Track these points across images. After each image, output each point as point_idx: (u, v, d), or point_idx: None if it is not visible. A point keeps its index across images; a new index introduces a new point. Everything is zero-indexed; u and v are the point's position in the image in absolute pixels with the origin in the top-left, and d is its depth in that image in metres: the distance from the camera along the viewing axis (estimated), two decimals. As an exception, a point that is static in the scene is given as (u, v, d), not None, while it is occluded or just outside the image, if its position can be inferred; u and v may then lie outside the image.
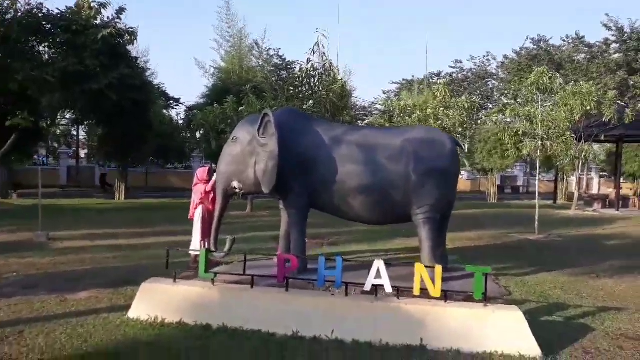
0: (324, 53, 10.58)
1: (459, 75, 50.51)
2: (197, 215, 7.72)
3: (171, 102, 34.28)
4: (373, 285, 4.74)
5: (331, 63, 10.68)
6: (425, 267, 4.71)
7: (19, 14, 14.60)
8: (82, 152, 40.46)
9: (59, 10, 15.50)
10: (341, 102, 10.89)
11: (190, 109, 28.20)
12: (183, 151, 30.01)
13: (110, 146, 20.96)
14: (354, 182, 6.48)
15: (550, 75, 12.08)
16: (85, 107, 17.34)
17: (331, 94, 10.16)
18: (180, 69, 79.47)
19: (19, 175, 24.48)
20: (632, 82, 42.58)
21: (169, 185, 30.29)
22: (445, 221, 6.98)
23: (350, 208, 6.69)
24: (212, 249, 6.86)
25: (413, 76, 48.64)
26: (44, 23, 15.17)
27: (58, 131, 34.01)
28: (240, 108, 15.54)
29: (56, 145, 35.44)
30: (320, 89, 10.19)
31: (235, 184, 6.87)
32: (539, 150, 12.33)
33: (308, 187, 6.69)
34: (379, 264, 4.71)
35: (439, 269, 4.61)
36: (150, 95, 20.10)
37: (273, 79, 19.75)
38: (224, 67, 23.29)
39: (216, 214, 7.05)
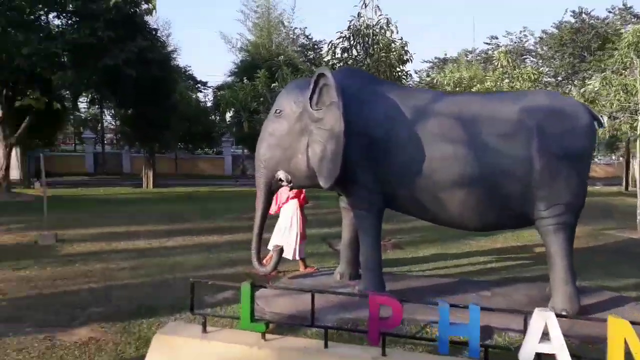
0: (377, 6, 8.53)
1: (494, 52, 47.35)
2: (288, 211, 6.25)
3: (199, 85, 32.57)
4: (537, 353, 2.82)
5: (388, 19, 8.62)
6: (632, 323, 2.75)
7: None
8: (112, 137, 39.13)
9: (68, -26, 13.76)
10: (403, 66, 8.91)
11: (217, 89, 26.39)
12: (211, 136, 28.32)
13: (133, 130, 19.38)
14: (449, 171, 4.55)
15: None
16: (102, 86, 15.60)
17: (391, 55, 8.15)
18: (204, 46, 76.56)
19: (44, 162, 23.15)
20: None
21: (199, 173, 28.57)
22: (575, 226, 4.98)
23: (442, 208, 4.75)
24: (255, 264, 5.11)
25: (445, 54, 45.89)
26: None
27: (82, 114, 32.70)
28: (273, 84, 13.76)
29: (81, 129, 34.09)
30: (377, 49, 8.14)
31: (281, 174, 5.02)
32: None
33: (383, 180, 4.80)
34: (546, 317, 2.77)
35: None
36: (173, 73, 18.26)
37: (300, 59, 17.85)
38: (253, 41, 21.36)
39: (257, 215, 5.22)
